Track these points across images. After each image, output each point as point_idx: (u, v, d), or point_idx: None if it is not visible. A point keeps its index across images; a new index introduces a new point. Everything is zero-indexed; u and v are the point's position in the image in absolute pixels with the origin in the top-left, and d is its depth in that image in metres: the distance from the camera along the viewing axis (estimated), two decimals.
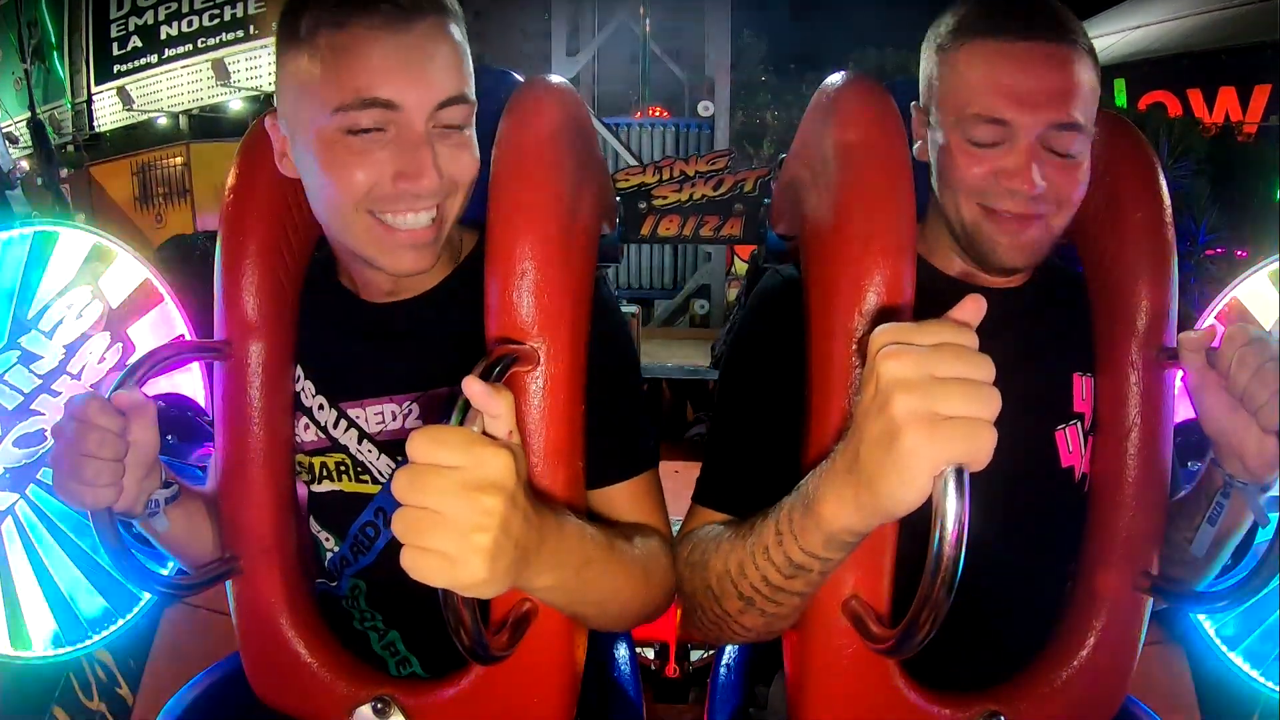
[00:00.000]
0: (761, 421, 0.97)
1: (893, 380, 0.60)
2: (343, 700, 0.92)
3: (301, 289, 1.01)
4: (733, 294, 6.93)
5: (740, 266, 7.13)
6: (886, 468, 0.60)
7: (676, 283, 7.22)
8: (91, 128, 10.40)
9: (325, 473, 1.00)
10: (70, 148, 9.86)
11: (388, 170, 0.84)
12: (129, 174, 8.61)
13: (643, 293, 7.32)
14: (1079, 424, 1.00)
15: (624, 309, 1.00)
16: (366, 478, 0.98)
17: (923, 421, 0.58)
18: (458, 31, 0.86)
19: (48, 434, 1.49)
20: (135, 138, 9.82)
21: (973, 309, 0.64)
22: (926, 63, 0.99)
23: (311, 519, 1.03)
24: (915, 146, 1.00)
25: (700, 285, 7.14)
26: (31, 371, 1.50)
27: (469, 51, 0.88)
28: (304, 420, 1.00)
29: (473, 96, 0.87)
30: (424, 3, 0.83)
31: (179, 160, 8.40)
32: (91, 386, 1.51)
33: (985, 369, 0.59)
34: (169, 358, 0.94)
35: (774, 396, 0.95)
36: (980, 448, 0.58)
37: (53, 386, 1.50)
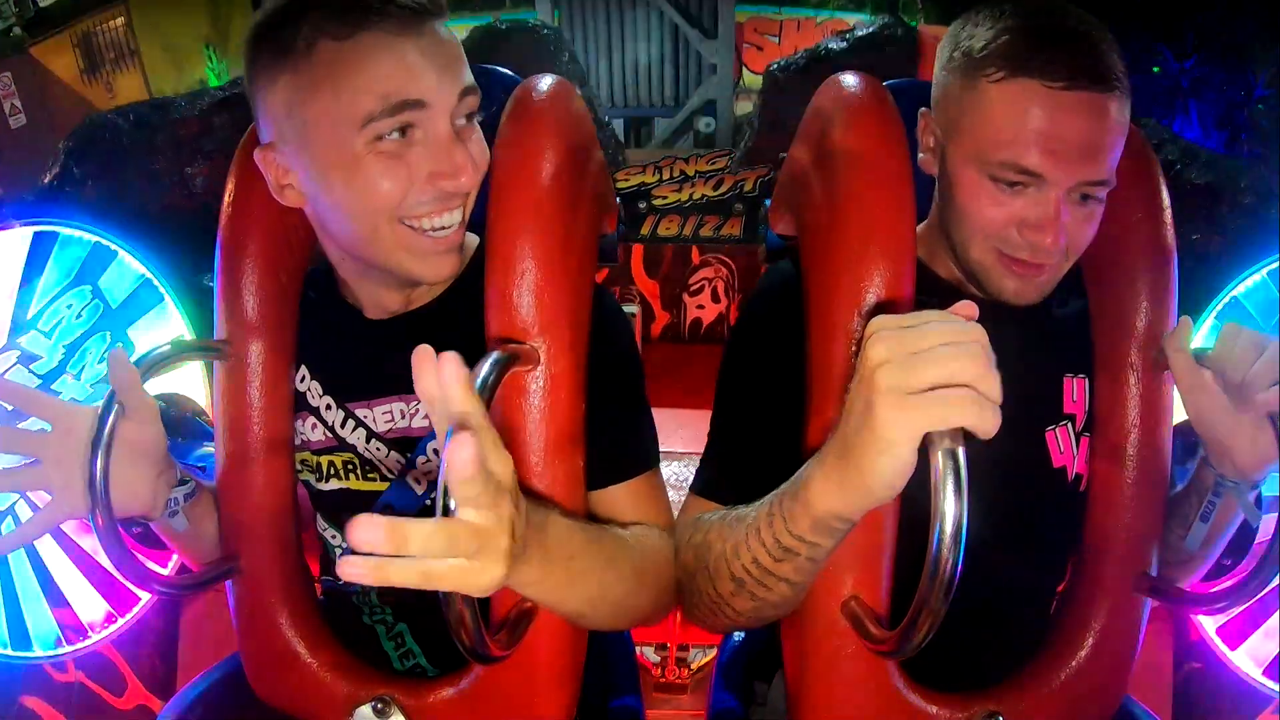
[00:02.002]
0: (762, 415, 0.97)
1: (874, 361, 0.61)
2: (343, 700, 0.92)
3: (304, 297, 1.01)
4: (742, 109, 5.79)
5: (751, 79, 5.86)
6: (865, 440, 0.62)
7: (678, 98, 6.12)
8: (34, 4, 9.90)
9: (333, 471, 1.00)
10: (14, 30, 9.43)
11: (421, 172, 0.83)
12: (70, 47, 8.21)
13: (638, 110, 6.22)
14: (1070, 425, 1.00)
15: (625, 308, 1.00)
16: (375, 475, 0.98)
17: (896, 393, 0.59)
18: (452, 33, 0.86)
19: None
20: (79, 7, 9.32)
21: (964, 314, 0.64)
22: (946, 74, 0.94)
23: (319, 518, 1.03)
24: (920, 157, 0.98)
25: (705, 101, 6.02)
26: (31, 371, 1.50)
27: None
28: (311, 420, 1.00)
29: (478, 89, 0.88)
30: (430, 8, 0.83)
31: (119, 21, 7.96)
32: (92, 386, 1.51)
33: (971, 331, 0.59)
34: (169, 358, 0.94)
35: (775, 389, 0.94)
36: (975, 411, 0.57)
37: (53, 386, 1.50)
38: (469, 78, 0.86)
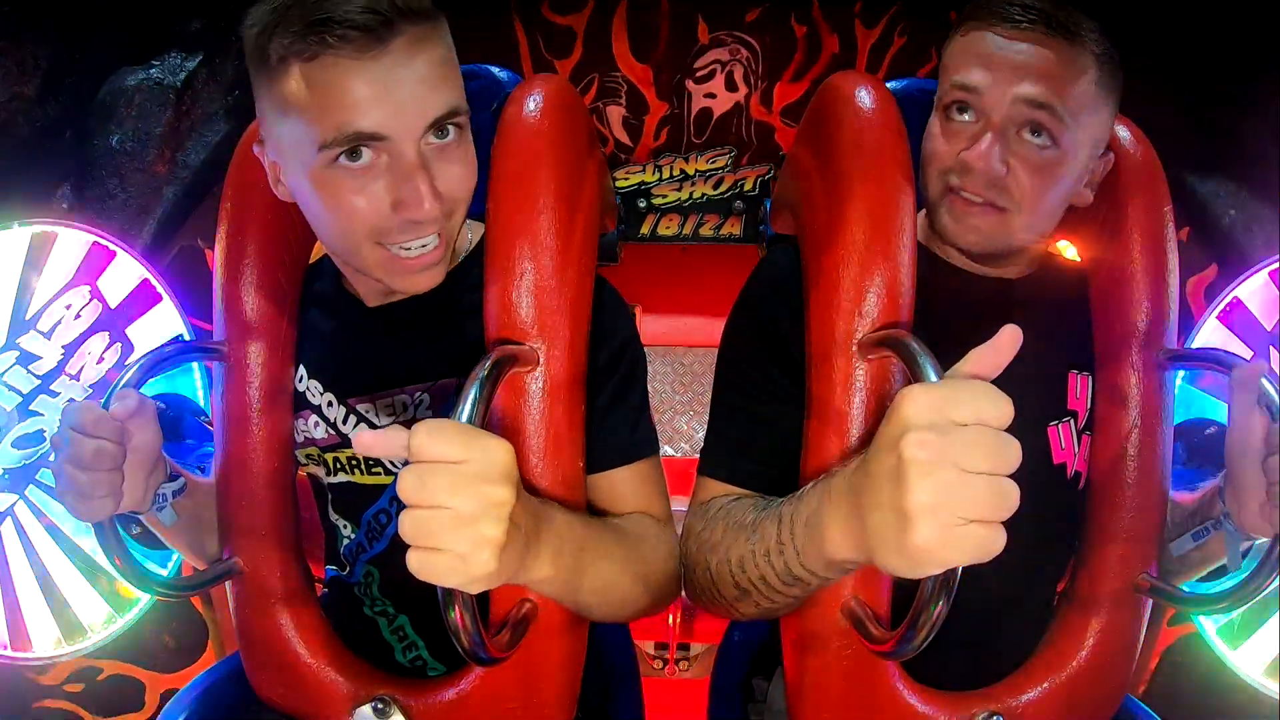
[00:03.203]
0: (765, 389, 0.96)
1: (916, 464, 0.55)
2: (343, 700, 0.92)
3: (304, 290, 1.01)
4: None
5: None
6: (895, 549, 0.58)
7: None
8: None
9: (339, 466, 1.00)
10: None
11: (385, 200, 0.82)
12: None
13: None
14: (1072, 421, 1.00)
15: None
16: (379, 470, 0.98)
17: (939, 521, 0.55)
18: (438, 37, 0.82)
19: (46, 435, 1.49)
20: None
21: (1009, 341, 0.60)
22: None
23: (330, 509, 1.03)
24: None
25: None
26: (30, 372, 1.50)
27: (454, 55, 0.84)
28: (314, 418, 1.00)
29: (464, 105, 0.84)
30: (396, 19, 0.78)
31: None
32: (91, 387, 1.51)
33: (1012, 456, 0.55)
34: (168, 358, 0.94)
35: (778, 363, 0.95)
36: (992, 550, 0.56)
37: (51, 387, 1.50)
38: (445, 102, 0.82)
